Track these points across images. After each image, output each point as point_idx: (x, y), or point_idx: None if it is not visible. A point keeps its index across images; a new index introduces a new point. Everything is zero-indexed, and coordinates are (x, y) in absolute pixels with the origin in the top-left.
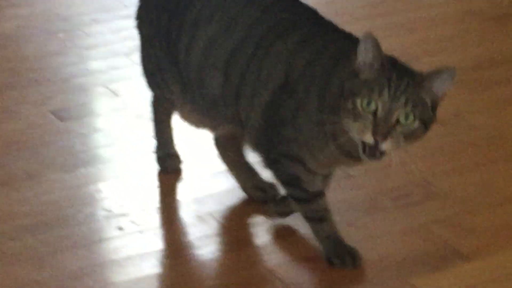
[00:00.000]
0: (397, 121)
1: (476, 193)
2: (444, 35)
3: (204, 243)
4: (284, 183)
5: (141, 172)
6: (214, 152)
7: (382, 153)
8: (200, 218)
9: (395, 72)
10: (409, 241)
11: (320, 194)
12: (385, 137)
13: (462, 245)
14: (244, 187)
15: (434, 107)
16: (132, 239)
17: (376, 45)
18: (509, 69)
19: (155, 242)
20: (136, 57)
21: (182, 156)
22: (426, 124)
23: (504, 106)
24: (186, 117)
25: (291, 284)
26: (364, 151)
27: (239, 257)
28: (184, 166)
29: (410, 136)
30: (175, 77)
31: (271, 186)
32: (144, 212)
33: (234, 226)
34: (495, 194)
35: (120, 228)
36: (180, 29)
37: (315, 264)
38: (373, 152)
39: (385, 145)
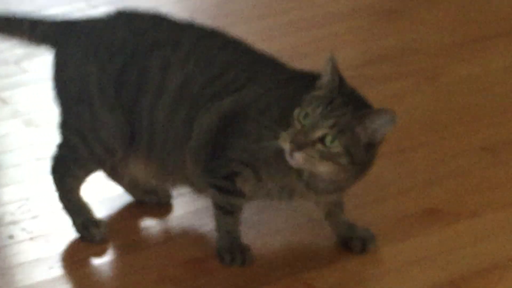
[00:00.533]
0: (322, 140)
1: (366, 187)
2: (334, 32)
3: (98, 248)
4: (222, 178)
5: (31, 179)
6: None
7: (297, 164)
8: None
9: (342, 98)
10: (300, 237)
11: (244, 197)
12: (299, 149)
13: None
14: (134, 194)
15: (370, 147)
16: (24, 247)
17: (334, 68)
18: (399, 64)
19: (47, 249)
20: (26, 64)
21: None
22: (353, 157)
23: (395, 101)
24: (124, 169)
25: (185, 286)
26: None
27: (133, 261)
28: None
29: (328, 159)
30: (120, 129)
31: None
32: (36, 219)
33: (126, 229)
34: (385, 189)
35: (11, 237)
36: (144, 75)
37: (208, 265)
38: (291, 160)
39: (297, 156)
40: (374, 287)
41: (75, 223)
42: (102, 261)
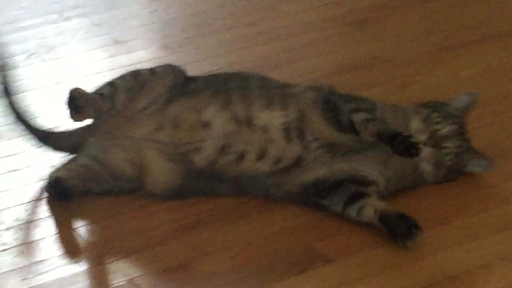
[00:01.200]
0: (444, 148)
1: None
2: (304, 42)
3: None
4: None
5: (3, 192)
6: None
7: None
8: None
9: (464, 128)
10: (272, 246)
11: None
12: (433, 146)
13: (324, 247)
14: None
15: (459, 171)
16: None
17: (472, 103)
18: (370, 73)
19: (20, 260)
20: None
21: None
22: (449, 173)
23: None
24: None
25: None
26: None
27: (99, 271)
28: None
29: (437, 166)
30: None
31: None
32: (8, 231)
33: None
34: None
35: None
36: None
37: (178, 275)
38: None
39: (427, 150)
40: None
41: None
42: (75, 272)
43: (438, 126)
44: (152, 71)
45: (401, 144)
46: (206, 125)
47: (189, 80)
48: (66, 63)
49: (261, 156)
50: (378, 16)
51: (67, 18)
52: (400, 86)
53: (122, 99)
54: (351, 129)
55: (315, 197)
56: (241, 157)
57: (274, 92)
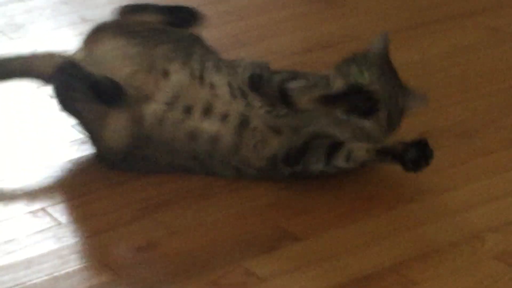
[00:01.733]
0: None
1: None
2: (273, 20)
3: (37, 239)
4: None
5: None
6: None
7: None
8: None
9: (389, 68)
10: (240, 225)
11: None
12: None
13: (293, 226)
14: None
15: (400, 115)
16: None
17: (386, 42)
18: (339, 51)
19: None
20: None
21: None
22: (390, 120)
23: None
24: None
25: (124, 275)
26: None
27: (68, 250)
28: None
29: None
30: None
31: None
32: None
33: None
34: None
35: None
36: None
37: (147, 254)
38: None
39: None
40: (315, 273)
41: None
42: (45, 251)
43: (359, 77)
44: None
45: (361, 102)
46: (166, 74)
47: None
48: (34, 41)
49: (207, 111)
50: None
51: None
52: None
53: None
54: (284, 100)
55: (287, 167)
56: (187, 111)
57: (225, 63)
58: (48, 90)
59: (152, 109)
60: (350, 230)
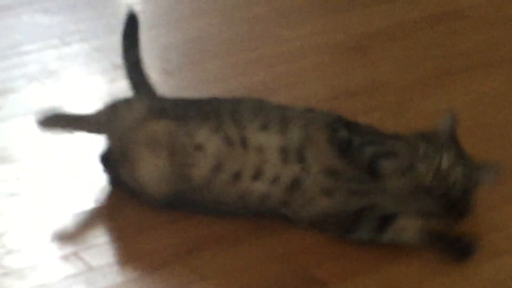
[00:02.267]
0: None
1: None
2: (301, 68)
3: (69, 283)
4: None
5: (5, 215)
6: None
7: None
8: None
9: (459, 149)
10: (270, 270)
11: None
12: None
13: (321, 272)
14: None
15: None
16: None
17: (454, 124)
18: (365, 100)
19: (21, 284)
20: (0, 101)
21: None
22: (463, 199)
23: None
24: None
25: None
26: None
27: None
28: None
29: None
30: None
31: None
32: (10, 254)
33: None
34: None
35: None
36: None
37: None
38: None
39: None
40: None
41: None
42: None
43: (437, 160)
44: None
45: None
46: (198, 147)
47: (178, 103)
48: (67, 87)
49: (257, 175)
50: (375, 43)
51: (68, 43)
52: (395, 113)
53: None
54: (372, 174)
55: (339, 230)
56: (236, 176)
57: (271, 114)
58: (80, 136)
59: (199, 173)
60: (377, 277)
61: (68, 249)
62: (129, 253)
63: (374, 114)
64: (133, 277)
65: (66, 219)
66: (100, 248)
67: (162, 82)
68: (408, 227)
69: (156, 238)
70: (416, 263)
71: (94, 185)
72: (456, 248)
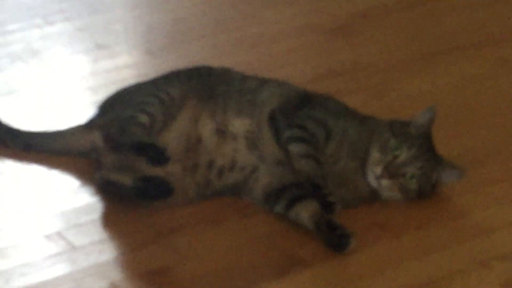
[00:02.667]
0: (403, 174)
1: None
2: (285, 49)
3: (52, 262)
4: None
5: None
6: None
7: (379, 186)
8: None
9: (427, 145)
10: (251, 251)
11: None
12: (390, 177)
13: (303, 252)
14: None
15: (433, 187)
16: None
17: (431, 118)
18: (349, 80)
19: (4, 262)
20: None
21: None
22: (420, 193)
23: None
24: None
25: None
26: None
27: (83, 273)
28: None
29: (402, 191)
30: None
31: None
32: None
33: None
34: None
35: None
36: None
37: (159, 279)
38: (376, 181)
39: (384, 182)
40: None
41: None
42: (56, 275)
43: (396, 153)
44: (167, 92)
45: (319, 199)
46: (199, 140)
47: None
48: (50, 67)
49: (232, 166)
50: (358, 24)
51: (51, 23)
52: (379, 94)
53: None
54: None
55: (267, 203)
56: (221, 171)
57: (247, 98)
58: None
59: (200, 176)
60: (359, 257)
61: (51, 228)
62: (111, 233)
63: (358, 95)
64: (116, 256)
65: (49, 199)
66: (83, 227)
67: (145, 63)
68: (303, 211)
69: (138, 217)
70: (397, 243)
71: (77, 165)
72: (333, 239)
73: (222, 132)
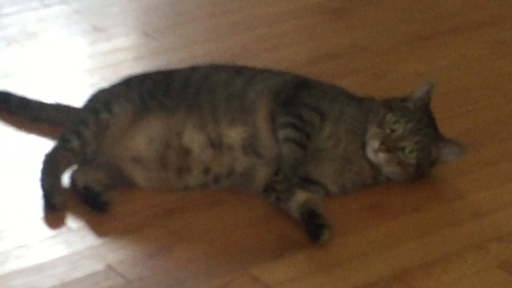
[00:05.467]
0: (403, 149)
1: None
2: (282, 31)
3: (48, 244)
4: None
5: None
6: None
7: (377, 160)
8: None
9: (428, 119)
10: (248, 233)
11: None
12: (387, 151)
13: (299, 234)
14: None
15: (432, 164)
16: None
17: (429, 91)
18: (347, 62)
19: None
20: None
21: None
22: (419, 169)
23: None
24: None
25: (134, 280)
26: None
27: (79, 255)
28: None
29: (401, 166)
30: None
31: None
32: None
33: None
34: None
35: None
36: None
37: (156, 260)
38: (374, 155)
39: (381, 156)
40: (321, 280)
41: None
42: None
43: (394, 127)
44: (109, 110)
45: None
46: (188, 152)
47: (162, 92)
48: (46, 49)
49: (230, 173)
50: (356, 6)
51: (47, 5)
52: (376, 75)
53: (91, 149)
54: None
55: (264, 194)
56: (217, 178)
57: (236, 104)
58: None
59: (193, 180)
60: (355, 238)
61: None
62: (107, 215)
63: (355, 76)
64: (112, 238)
65: None
66: (79, 209)
67: (142, 45)
68: (294, 201)
69: (135, 199)
70: (394, 225)
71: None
72: (310, 229)
73: (217, 145)
